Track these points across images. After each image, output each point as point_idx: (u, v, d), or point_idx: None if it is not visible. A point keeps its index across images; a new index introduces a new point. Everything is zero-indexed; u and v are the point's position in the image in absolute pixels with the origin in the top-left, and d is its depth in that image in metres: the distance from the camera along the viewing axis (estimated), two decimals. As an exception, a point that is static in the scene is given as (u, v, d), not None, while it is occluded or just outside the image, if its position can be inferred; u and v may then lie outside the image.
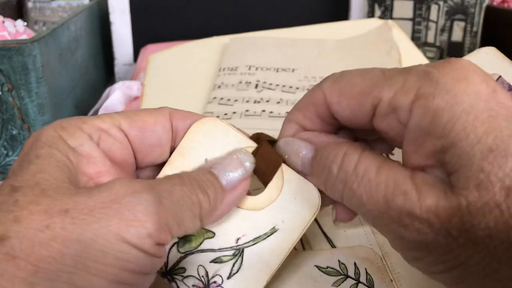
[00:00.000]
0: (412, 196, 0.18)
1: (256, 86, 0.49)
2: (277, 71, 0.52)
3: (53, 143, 0.19)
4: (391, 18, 0.72)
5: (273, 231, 0.23)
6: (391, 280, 0.26)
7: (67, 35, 0.54)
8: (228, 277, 0.23)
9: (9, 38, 0.55)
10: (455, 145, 0.17)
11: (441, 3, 0.69)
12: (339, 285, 0.26)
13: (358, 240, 0.29)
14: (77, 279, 0.16)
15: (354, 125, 0.22)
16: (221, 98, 0.48)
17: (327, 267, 0.26)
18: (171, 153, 0.24)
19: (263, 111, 0.45)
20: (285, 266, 0.25)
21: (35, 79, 0.44)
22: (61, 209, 0.17)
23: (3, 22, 0.56)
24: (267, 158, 0.24)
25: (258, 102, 0.47)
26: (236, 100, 0.47)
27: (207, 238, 0.23)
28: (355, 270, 0.26)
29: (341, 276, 0.26)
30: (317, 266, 0.26)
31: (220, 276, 0.23)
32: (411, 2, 0.71)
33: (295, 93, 0.48)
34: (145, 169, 0.24)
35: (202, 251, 0.23)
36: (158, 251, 0.18)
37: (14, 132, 0.45)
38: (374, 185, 0.19)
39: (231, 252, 0.23)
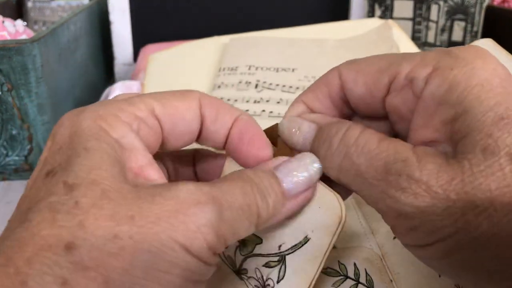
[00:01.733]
0: (413, 162, 0.18)
1: (256, 86, 0.49)
2: (277, 71, 0.52)
3: (99, 135, 0.18)
4: (391, 18, 0.72)
5: (306, 240, 0.23)
6: (391, 281, 0.26)
7: (67, 35, 0.54)
8: (278, 281, 0.23)
9: (8, 38, 0.55)
10: (467, 112, 0.18)
11: (441, 3, 0.69)
12: (339, 285, 0.26)
13: (358, 241, 0.29)
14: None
15: (364, 106, 0.22)
16: (221, 98, 0.48)
17: (327, 268, 0.26)
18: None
19: (263, 111, 0.45)
20: None
21: (34, 79, 0.44)
22: (126, 215, 0.16)
23: (3, 22, 0.56)
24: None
25: (258, 102, 0.47)
26: (236, 100, 0.47)
27: (257, 244, 0.24)
28: (354, 271, 0.26)
29: (341, 277, 0.26)
30: None
31: (272, 279, 0.24)
32: (411, 2, 0.71)
33: (295, 93, 0.48)
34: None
35: (256, 255, 0.24)
36: (214, 260, 0.18)
37: (14, 132, 0.45)
38: (374, 154, 0.19)
39: (276, 258, 0.24)
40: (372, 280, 0.26)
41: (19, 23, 0.58)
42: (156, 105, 0.20)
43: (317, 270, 0.23)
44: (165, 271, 0.16)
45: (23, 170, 0.47)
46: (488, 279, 0.17)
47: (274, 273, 0.24)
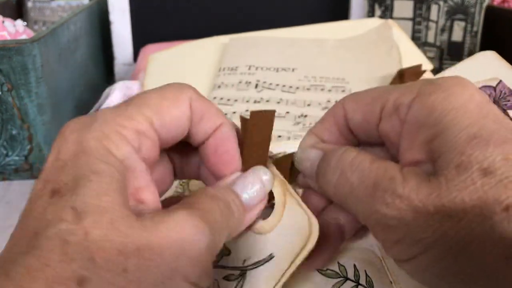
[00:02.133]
0: (398, 179, 0.20)
1: (256, 86, 0.49)
2: (277, 71, 0.52)
3: (107, 157, 0.19)
4: (391, 18, 0.72)
5: (270, 257, 0.23)
6: (391, 282, 0.26)
7: (67, 35, 0.54)
8: None
9: (8, 38, 0.55)
10: (443, 133, 0.19)
11: (441, 3, 0.69)
12: (339, 287, 0.26)
13: (357, 242, 0.29)
14: None
15: (364, 133, 0.24)
16: (221, 98, 0.48)
17: (327, 269, 0.26)
18: None
19: (263, 111, 0.45)
20: None
21: (34, 79, 0.44)
22: (134, 248, 0.17)
23: (3, 22, 0.56)
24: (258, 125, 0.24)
25: (258, 102, 0.47)
26: (236, 100, 0.47)
27: (224, 255, 0.24)
28: (354, 272, 0.26)
29: (341, 278, 0.26)
30: (316, 269, 0.26)
31: None
32: (411, 2, 0.71)
33: (295, 93, 0.48)
34: None
35: (219, 266, 0.24)
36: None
37: (14, 132, 0.45)
38: (366, 173, 0.21)
39: (238, 272, 0.24)
40: (372, 281, 0.26)
41: (19, 23, 0.58)
42: (154, 117, 0.21)
43: None
44: None
45: (23, 170, 0.47)
46: (473, 286, 0.19)
47: (231, 287, 0.24)
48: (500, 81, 0.29)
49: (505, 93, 0.29)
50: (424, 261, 0.19)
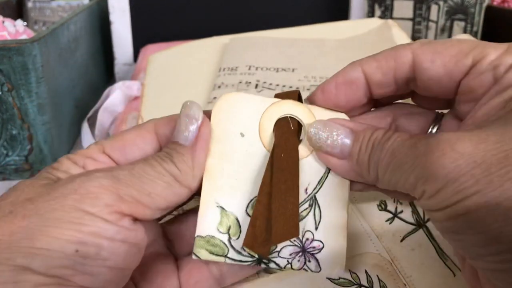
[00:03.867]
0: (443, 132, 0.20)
1: (256, 86, 0.49)
2: (277, 71, 0.52)
3: (46, 170, 0.22)
4: (391, 18, 0.72)
5: (328, 169, 0.24)
6: (405, 285, 0.26)
7: (67, 35, 0.54)
8: (316, 228, 0.23)
9: (9, 38, 0.55)
10: None
11: (441, 3, 0.69)
12: None
13: (364, 247, 0.28)
14: (37, 243, 0.18)
15: (436, 87, 0.23)
16: (221, 98, 0.48)
17: (339, 278, 0.26)
18: None
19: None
20: (297, 283, 0.25)
21: (35, 79, 0.44)
22: (24, 198, 0.20)
23: (3, 22, 0.56)
24: (284, 135, 0.24)
25: (258, 102, 0.47)
26: (236, 100, 0.47)
27: None
28: (367, 278, 0.26)
29: (355, 286, 0.26)
30: (329, 279, 0.26)
31: (309, 231, 0.24)
32: (411, 2, 0.71)
33: (295, 93, 0.48)
34: None
35: None
36: (121, 221, 0.20)
37: (14, 132, 0.45)
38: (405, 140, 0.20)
39: (307, 204, 0.24)
40: (386, 286, 0.26)
41: (19, 23, 0.58)
42: (106, 143, 0.23)
43: (348, 190, 0.24)
44: (53, 225, 0.19)
45: (23, 170, 0.48)
46: (488, 247, 0.18)
47: (309, 222, 0.24)
48: None
49: None
50: (458, 210, 0.18)
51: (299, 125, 0.24)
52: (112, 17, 0.73)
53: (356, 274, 0.26)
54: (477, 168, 0.17)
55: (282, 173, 0.23)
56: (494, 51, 0.21)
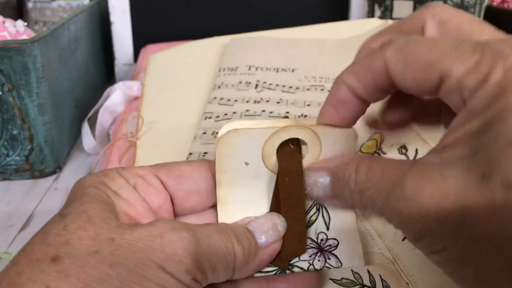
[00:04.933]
0: (408, 184, 0.19)
1: (256, 86, 0.49)
2: (277, 71, 0.52)
3: (97, 185, 0.22)
4: (391, 18, 0.72)
5: None
6: (407, 284, 0.26)
7: (67, 35, 0.54)
8: (327, 228, 0.25)
9: (9, 38, 0.55)
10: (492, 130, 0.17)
11: (441, 3, 0.69)
12: None
13: (366, 247, 0.28)
14: None
15: (416, 94, 0.22)
16: (221, 98, 0.48)
17: (342, 278, 0.26)
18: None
19: (263, 111, 0.45)
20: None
21: (35, 79, 0.44)
22: (107, 237, 0.19)
23: (4, 22, 0.56)
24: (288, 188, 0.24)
25: (258, 102, 0.47)
26: (236, 100, 0.47)
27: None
28: (370, 278, 0.26)
29: (358, 286, 0.26)
30: (332, 279, 0.26)
31: (322, 232, 0.25)
32: (411, 2, 0.71)
33: (295, 93, 0.48)
34: (188, 217, 0.25)
35: None
36: (195, 286, 0.20)
37: (14, 132, 0.46)
38: (381, 182, 0.20)
39: (314, 209, 0.25)
40: (388, 285, 0.26)
41: (20, 23, 0.59)
42: (161, 168, 0.24)
43: None
44: (139, 283, 0.18)
45: (23, 170, 0.48)
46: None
47: (320, 224, 0.25)
48: None
49: None
50: (447, 255, 0.18)
51: (299, 143, 0.25)
52: (112, 17, 0.73)
53: (359, 274, 0.26)
54: (441, 227, 0.18)
55: (288, 198, 0.24)
56: (461, 66, 0.19)
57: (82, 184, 0.22)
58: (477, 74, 0.18)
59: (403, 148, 0.30)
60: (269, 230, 0.23)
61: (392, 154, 0.29)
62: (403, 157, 0.30)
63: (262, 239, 0.23)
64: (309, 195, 0.24)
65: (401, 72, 0.21)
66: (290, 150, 0.25)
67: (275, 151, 0.24)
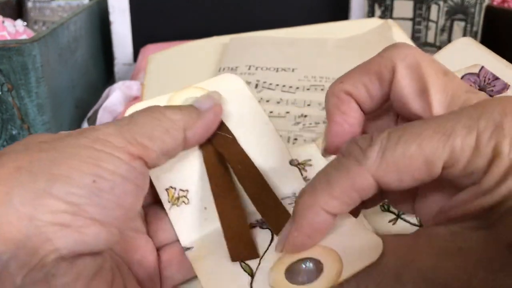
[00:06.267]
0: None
1: (256, 86, 0.49)
2: (277, 71, 0.52)
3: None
4: (391, 18, 0.72)
5: None
6: None
7: (67, 35, 0.54)
8: None
9: (8, 38, 0.55)
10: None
11: (441, 3, 0.69)
12: None
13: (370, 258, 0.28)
14: (56, 170, 0.19)
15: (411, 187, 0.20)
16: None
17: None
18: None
19: (263, 111, 0.45)
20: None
21: (35, 79, 0.44)
22: (38, 141, 0.20)
23: (3, 22, 0.56)
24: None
25: (258, 102, 0.47)
26: (236, 100, 0.47)
27: None
28: None
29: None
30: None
31: None
32: (411, 2, 0.71)
33: (295, 93, 0.48)
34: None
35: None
36: (133, 162, 0.21)
37: (14, 132, 0.45)
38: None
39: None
40: None
41: (19, 23, 0.58)
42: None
43: None
44: (72, 158, 0.19)
45: (23, 170, 0.47)
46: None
47: None
48: (482, 67, 0.28)
49: (489, 79, 0.28)
50: None
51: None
52: (112, 17, 0.73)
53: None
54: None
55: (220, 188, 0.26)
56: (463, 155, 0.18)
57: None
58: (483, 156, 0.18)
59: (385, 204, 0.30)
60: (207, 100, 0.26)
61: (375, 211, 0.28)
62: (386, 213, 0.30)
63: (200, 105, 0.26)
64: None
65: (396, 180, 0.19)
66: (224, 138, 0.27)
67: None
